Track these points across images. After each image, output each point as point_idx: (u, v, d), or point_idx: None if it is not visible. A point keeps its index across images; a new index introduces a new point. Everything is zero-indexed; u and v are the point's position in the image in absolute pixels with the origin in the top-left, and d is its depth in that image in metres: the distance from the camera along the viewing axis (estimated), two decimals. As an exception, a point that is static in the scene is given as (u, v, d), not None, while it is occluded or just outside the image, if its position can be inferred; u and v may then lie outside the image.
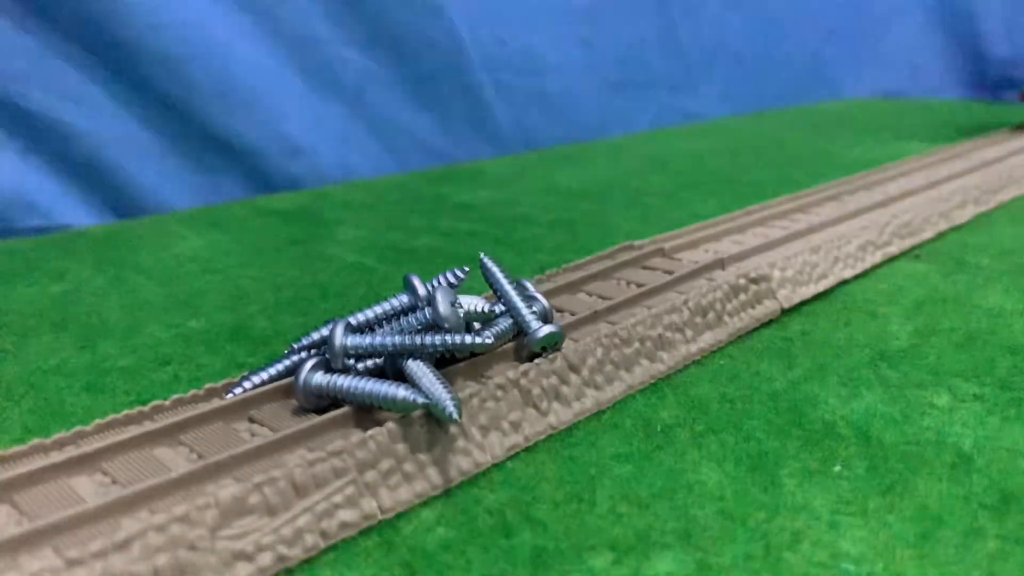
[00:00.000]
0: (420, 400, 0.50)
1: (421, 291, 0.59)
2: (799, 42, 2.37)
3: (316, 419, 0.52)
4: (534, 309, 0.61)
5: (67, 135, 1.28)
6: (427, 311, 0.56)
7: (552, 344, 0.60)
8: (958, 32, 2.54)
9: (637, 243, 0.86)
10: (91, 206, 1.33)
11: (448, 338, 0.53)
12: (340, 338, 0.54)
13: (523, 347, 0.60)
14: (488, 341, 0.55)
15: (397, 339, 0.53)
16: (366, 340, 0.54)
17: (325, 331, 0.59)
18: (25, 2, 1.22)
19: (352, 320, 0.58)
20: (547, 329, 0.59)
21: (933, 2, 2.53)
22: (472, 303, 0.58)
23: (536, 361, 0.59)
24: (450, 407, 0.50)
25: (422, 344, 0.53)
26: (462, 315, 0.56)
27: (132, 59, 1.31)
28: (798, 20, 2.37)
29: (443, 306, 0.54)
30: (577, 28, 1.91)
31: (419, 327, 0.56)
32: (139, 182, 1.36)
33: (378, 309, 0.59)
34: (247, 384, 0.57)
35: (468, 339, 0.53)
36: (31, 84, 1.24)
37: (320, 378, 0.53)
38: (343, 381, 0.52)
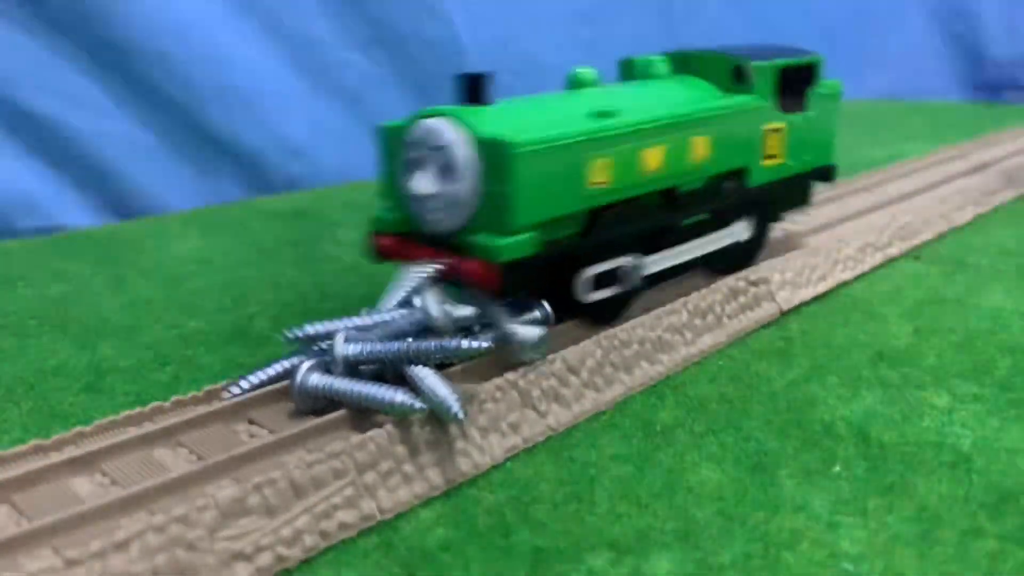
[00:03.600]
0: (418, 404, 0.50)
1: (407, 288, 0.59)
2: (799, 42, 2.37)
3: (315, 421, 0.52)
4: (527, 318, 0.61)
5: (67, 135, 1.28)
6: (418, 309, 0.56)
7: (538, 349, 0.59)
8: (958, 33, 2.54)
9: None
10: (91, 206, 1.33)
11: (446, 343, 0.53)
12: (341, 348, 0.54)
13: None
14: (485, 345, 0.55)
15: (396, 346, 0.53)
16: (367, 348, 0.54)
17: (322, 328, 0.58)
18: (26, 3, 1.22)
19: (350, 323, 0.58)
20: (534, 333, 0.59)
21: (934, 3, 2.53)
22: (460, 310, 0.58)
23: (536, 362, 0.59)
24: (455, 407, 0.50)
25: (418, 350, 0.53)
26: (453, 317, 0.56)
27: (133, 60, 1.31)
28: (798, 21, 2.36)
29: (434, 309, 0.54)
30: (578, 30, 1.90)
31: (409, 325, 0.56)
32: (139, 182, 1.36)
33: (376, 316, 0.59)
34: (244, 384, 0.57)
35: (465, 344, 0.53)
36: (31, 84, 1.24)
37: (317, 380, 0.53)
38: (340, 384, 0.52)
